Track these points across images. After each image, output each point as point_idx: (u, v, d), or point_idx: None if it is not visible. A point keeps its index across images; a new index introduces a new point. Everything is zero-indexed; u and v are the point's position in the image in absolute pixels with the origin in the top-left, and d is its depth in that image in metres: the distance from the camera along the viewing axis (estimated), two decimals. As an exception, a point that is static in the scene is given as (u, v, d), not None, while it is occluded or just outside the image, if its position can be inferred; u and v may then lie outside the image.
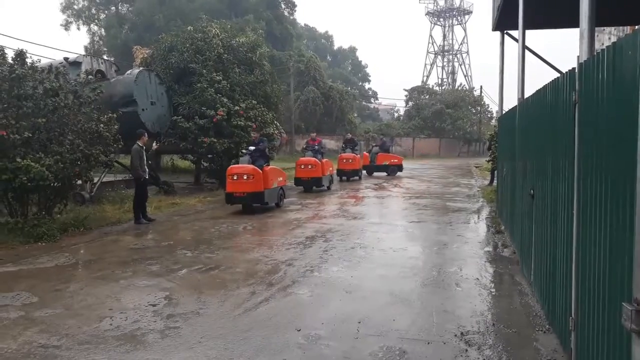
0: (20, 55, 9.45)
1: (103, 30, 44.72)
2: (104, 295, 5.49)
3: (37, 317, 4.78)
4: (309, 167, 15.98)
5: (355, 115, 51.43)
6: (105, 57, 34.20)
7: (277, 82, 20.60)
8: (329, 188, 16.72)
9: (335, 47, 73.68)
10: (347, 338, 4.24)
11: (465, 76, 73.99)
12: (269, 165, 12.17)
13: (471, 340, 4.18)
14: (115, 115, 10.66)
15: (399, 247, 7.86)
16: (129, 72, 15.17)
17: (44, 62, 11.71)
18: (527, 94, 7.34)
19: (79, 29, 46.47)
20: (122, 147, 11.00)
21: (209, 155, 16.16)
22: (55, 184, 8.93)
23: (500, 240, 8.36)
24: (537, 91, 5.26)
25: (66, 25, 44.67)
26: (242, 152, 12.58)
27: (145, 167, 10.56)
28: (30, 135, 8.52)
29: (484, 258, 7.19)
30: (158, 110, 15.06)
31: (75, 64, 14.02)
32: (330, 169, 17.43)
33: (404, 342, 4.14)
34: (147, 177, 10.72)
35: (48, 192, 9.07)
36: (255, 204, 11.58)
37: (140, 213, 10.30)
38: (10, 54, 9.50)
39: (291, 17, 48.35)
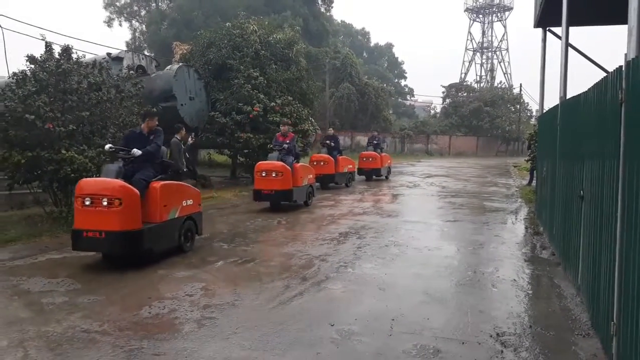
0: (66, 50, 9.78)
1: (144, 26, 45.69)
2: (144, 284, 5.65)
3: (80, 303, 4.96)
4: (273, 174, 10.99)
5: (391, 112, 51.01)
6: (146, 52, 35.02)
7: (312, 79, 20.67)
8: (306, 204, 12.03)
9: (372, 44, 73.21)
10: (381, 335, 4.24)
11: (504, 74, 72.37)
12: (163, 179, 6.89)
13: (507, 341, 4.11)
14: (155, 110, 10.90)
15: (433, 246, 7.78)
16: (168, 67, 15.51)
17: (88, 57, 12.09)
18: (569, 93, 7.15)
19: (120, 25, 47.75)
20: (161, 141, 11.25)
21: (245, 151, 16.35)
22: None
23: (538, 241, 8.17)
24: (588, 90, 5.11)
25: (109, 22, 45.85)
26: (105, 152, 7.75)
27: (184, 160, 10.77)
28: (75, 128, 8.81)
29: (522, 259, 7.05)
30: (196, 106, 15.33)
31: (118, 59, 14.41)
32: (310, 176, 12.39)
33: (438, 341, 4.11)
34: (184, 170, 10.92)
35: (91, 183, 9.37)
36: (126, 252, 6.36)
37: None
38: (57, 50, 9.84)
39: (328, 14, 48.24)
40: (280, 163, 11.15)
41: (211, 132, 16.12)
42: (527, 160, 17.84)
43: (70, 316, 4.60)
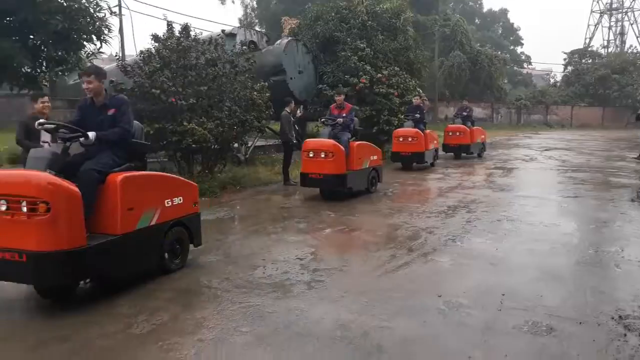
0: (185, 29, 10.44)
1: (255, 2, 47.19)
2: (258, 247, 6.01)
3: (202, 262, 5.41)
4: (322, 155, 8.88)
5: (505, 81, 48.12)
6: (257, 28, 36.21)
7: (420, 48, 20.05)
8: (368, 191, 9.73)
9: (485, 10, 68.92)
10: (490, 308, 4.13)
11: (637, 37, 64.88)
12: (131, 168, 4.73)
13: (631, 325, 3.81)
14: (266, 84, 11.31)
15: (550, 222, 7.34)
16: (278, 42, 15.92)
17: (205, 34, 12.78)
18: None
19: (233, 2, 49.99)
20: (272, 114, 11.69)
21: (352, 123, 16.42)
22: (216, 147, 9.82)
23: (673, 221, 7.38)
24: None
25: (222, 0, 48.02)
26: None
27: (293, 132, 11.13)
28: (195, 101, 9.41)
29: (652, 239, 6.42)
30: (305, 79, 15.65)
31: (231, 35, 15.07)
32: (374, 157, 9.95)
33: (552, 318, 3.92)
34: (294, 142, 11.29)
35: (209, 153, 10.02)
36: (61, 282, 4.32)
37: (288, 175, 10.94)
38: (177, 28, 10.52)
39: (438, -20, 46.30)
40: (331, 141, 8.99)
41: (319, 104, 16.38)
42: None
43: (193, 273, 5.05)
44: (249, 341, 3.57)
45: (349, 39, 16.23)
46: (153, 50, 9.81)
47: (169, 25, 10.42)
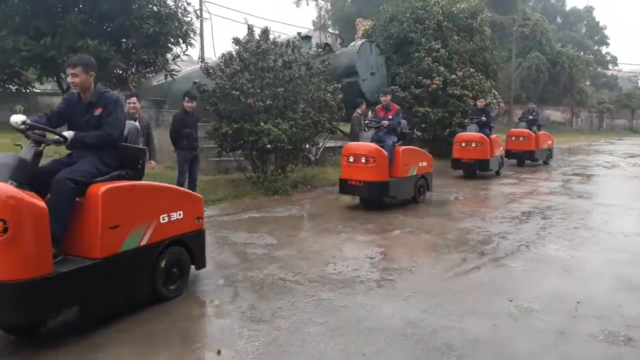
0: (265, 32, 10.82)
1: (329, 4, 47.70)
2: (328, 244, 6.21)
3: (277, 256, 5.68)
4: (362, 160, 8.20)
5: (588, 83, 45.59)
6: (330, 30, 36.63)
7: (497, 49, 19.57)
8: (415, 200, 8.93)
9: (567, 8, 65.58)
10: (564, 315, 4.08)
11: None
12: (123, 177, 4.06)
13: None
14: (339, 85, 11.51)
15: (632, 231, 7.02)
16: (352, 44, 16.10)
17: (282, 37, 13.18)
18: None
19: (307, 4, 50.66)
20: (343, 116, 11.86)
21: (422, 125, 16.30)
22: (289, 147, 10.14)
23: None
24: None
25: (297, 2, 48.95)
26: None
27: (363, 134, 11.25)
28: (271, 103, 9.76)
29: None
30: (377, 81, 15.72)
31: (307, 38, 15.39)
32: (423, 163, 9.16)
33: (630, 329, 3.82)
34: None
35: (283, 153, 10.36)
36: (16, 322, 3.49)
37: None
38: (256, 32, 10.94)
39: (517, -22, 44.65)
40: (373, 145, 8.30)
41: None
42: None
43: (269, 265, 5.32)
44: (322, 332, 3.76)
45: (423, 40, 16.12)
46: (234, 53, 10.26)
47: (250, 28, 10.82)
